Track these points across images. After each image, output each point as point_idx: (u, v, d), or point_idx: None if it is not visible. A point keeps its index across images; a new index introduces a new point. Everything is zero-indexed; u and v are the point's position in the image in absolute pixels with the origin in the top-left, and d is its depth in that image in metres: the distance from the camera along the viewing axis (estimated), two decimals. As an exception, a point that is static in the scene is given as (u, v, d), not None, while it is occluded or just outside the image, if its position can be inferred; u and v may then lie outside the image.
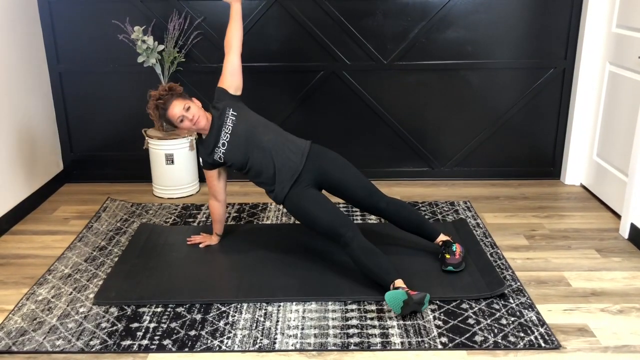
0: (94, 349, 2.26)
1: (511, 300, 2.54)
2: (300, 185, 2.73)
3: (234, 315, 2.46)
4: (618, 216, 3.34)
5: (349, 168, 2.83)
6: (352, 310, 2.49)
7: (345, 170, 2.82)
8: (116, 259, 2.93)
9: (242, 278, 2.74)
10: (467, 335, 2.31)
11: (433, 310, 2.47)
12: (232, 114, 2.80)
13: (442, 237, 2.84)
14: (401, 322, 2.40)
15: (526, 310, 2.47)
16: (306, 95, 3.88)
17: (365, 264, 2.56)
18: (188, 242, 3.07)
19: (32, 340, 2.31)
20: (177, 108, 2.75)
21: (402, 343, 2.27)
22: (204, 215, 3.47)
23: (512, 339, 2.29)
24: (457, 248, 2.78)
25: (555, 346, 2.24)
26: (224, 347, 2.27)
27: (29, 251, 3.08)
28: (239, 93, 2.91)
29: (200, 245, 3.04)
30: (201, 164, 2.91)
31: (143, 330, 2.37)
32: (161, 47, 3.60)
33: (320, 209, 2.68)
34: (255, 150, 2.75)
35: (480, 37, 3.73)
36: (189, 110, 2.75)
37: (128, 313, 2.48)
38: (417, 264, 2.83)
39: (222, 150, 2.79)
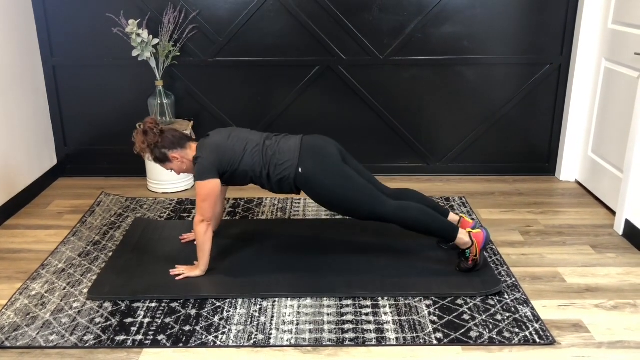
0: (87, 344, 2.24)
1: (506, 296, 2.54)
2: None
3: (229, 311, 2.45)
4: (613, 212, 3.35)
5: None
6: (347, 306, 2.48)
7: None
8: (110, 254, 2.92)
9: (237, 273, 2.73)
10: (462, 330, 2.32)
11: (428, 306, 2.47)
12: None
13: (461, 236, 2.66)
14: (396, 317, 2.40)
15: (521, 306, 2.47)
16: (302, 90, 3.87)
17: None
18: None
19: (26, 335, 2.30)
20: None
21: (397, 338, 2.27)
22: (199, 210, 3.45)
23: (507, 334, 2.29)
24: (470, 254, 2.65)
25: (549, 342, 2.25)
26: (218, 343, 2.26)
27: (22, 246, 3.06)
28: None
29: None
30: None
31: (137, 326, 2.36)
32: (156, 40, 3.58)
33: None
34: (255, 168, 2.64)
35: (476, 32, 3.72)
36: (171, 170, 2.73)
37: (122, 308, 2.47)
38: (413, 259, 2.83)
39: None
